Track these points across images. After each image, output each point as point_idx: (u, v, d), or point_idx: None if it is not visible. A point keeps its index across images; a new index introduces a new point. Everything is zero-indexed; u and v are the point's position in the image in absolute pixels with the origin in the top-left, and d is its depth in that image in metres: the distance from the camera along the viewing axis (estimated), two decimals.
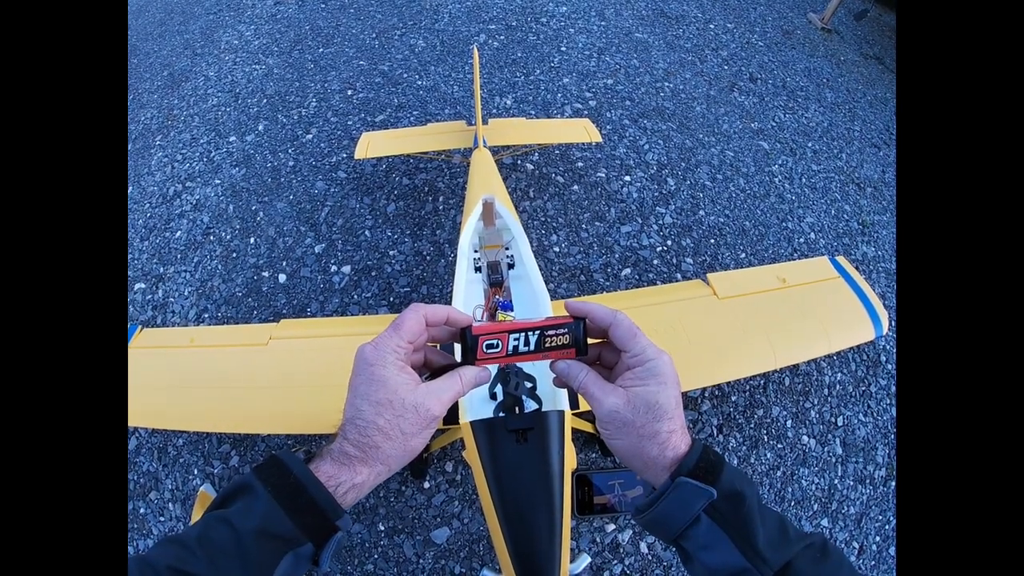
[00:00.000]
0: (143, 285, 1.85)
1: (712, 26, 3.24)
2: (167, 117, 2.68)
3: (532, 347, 0.52)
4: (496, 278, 1.17)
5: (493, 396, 0.87)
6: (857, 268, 1.81)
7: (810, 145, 2.42)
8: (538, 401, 0.84)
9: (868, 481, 1.39)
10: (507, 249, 1.26)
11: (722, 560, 0.47)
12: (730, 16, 3.39)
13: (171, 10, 3.93)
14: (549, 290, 1.16)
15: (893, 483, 1.40)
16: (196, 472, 1.37)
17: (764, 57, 3.03)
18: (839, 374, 1.56)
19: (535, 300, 1.11)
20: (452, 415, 1.00)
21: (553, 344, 0.52)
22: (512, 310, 1.06)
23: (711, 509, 0.47)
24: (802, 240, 1.96)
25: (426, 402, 0.49)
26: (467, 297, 1.15)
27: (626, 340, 0.51)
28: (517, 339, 0.52)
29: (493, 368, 0.91)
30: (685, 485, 0.47)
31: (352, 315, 1.65)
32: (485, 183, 1.45)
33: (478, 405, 0.87)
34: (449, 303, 1.11)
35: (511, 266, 1.24)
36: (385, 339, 0.49)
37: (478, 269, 1.22)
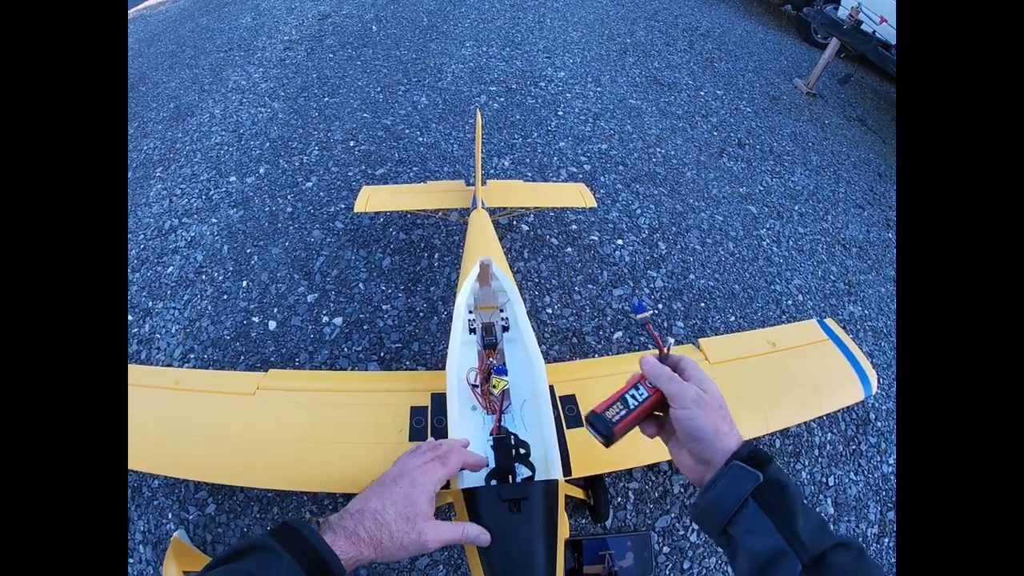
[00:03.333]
0: (131, 318, 1.83)
1: (702, 93, 3.41)
2: (170, 150, 2.72)
3: (640, 400, 0.65)
4: (491, 340, 1.17)
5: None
6: (844, 328, 1.84)
7: (796, 208, 2.52)
8: (532, 468, 0.84)
9: (861, 539, 1.40)
10: (502, 311, 1.27)
11: (764, 542, 0.52)
12: (719, 83, 3.56)
13: (183, 43, 4.00)
14: (542, 351, 1.16)
15: (887, 539, 1.41)
16: (170, 516, 1.32)
17: (752, 123, 3.17)
18: (829, 434, 1.58)
19: (529, 365, 1.11)
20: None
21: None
22: (506, 374, 1.06)
23: (758, 495, 0.53)
24: (790, 302, 2.01)
25: (429, 535, 0.61)
26: (461, 359, 1.15)
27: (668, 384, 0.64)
28: (633, 395, 0.66)
29: (483, 446, 0.91)
30: (736, 468, 0.55)
31: (341, 368, 1.63)
32: (483, 245, 1.47)
33: (470, 472, 0.86)
34: (442, 363, 1.13)
35: (506, 328, 1.25)
36: (433, 472, 0.66)
37: (473, 331, 1.22)
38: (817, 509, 1.43)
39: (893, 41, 3.34)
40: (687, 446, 0.62)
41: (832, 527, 1.41)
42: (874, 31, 3.37)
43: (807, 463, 1.51)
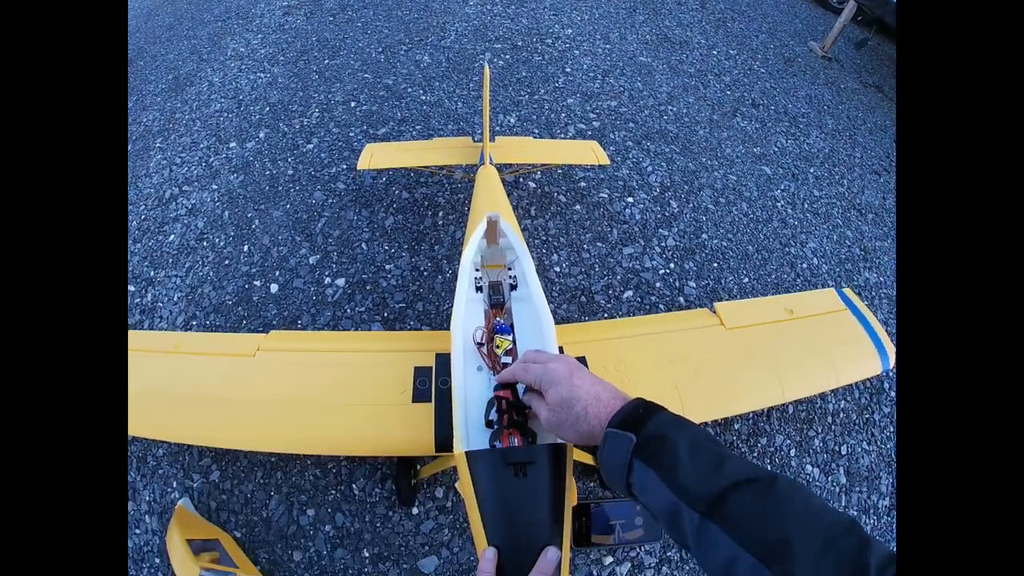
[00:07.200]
0: (132, 288, 1.80)
1: (715, 52, 3.31)
2: (169, 120, 2.66)
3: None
4: (497, 299, 1.12)
5: (489, 424, 0.82)
6: (860, 294, 1.78)
7: (812, 171, 2.45)
8: (531, 435, 0.79)
9: (872, 511, 1.37)
10: (510, 269, 1.22)
11: (658, 499, 0.51)
12: (732, 43, 3.46)
13: (180, 15, 3.93)
14: (551, 311, 1.10)
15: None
16: (175, 485, 1.31)
17: (766, 84, 3.08)
18: (842, 402, 1.54)
19: (538, 324, 1.05)
20: (446, 443, 0.95)
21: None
22: (510, 333, 1.01)
23: (640, 452, 0.53)
24: (805, 266, 1.96)
25: None
26: (467, 317, 1.10)
27: (522, 376, 0.70)
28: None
29: (487, 389, 0.87)
30: (610, 434, 0.56)
31: (344, 329, 1.60)
32: (490, 201, 1.41)
33: (474, 434, 0.81)
34: (447, 322, 1.08)
35: (513, 287, 1.19)
36: None
37: (479, 288, 1.17)
38: (829, 479, 1.39)
39: None
40: (572, 429, 0.62)
41: (845, 501, 1.38)
42: None
43: (820, 430, 1.47)
